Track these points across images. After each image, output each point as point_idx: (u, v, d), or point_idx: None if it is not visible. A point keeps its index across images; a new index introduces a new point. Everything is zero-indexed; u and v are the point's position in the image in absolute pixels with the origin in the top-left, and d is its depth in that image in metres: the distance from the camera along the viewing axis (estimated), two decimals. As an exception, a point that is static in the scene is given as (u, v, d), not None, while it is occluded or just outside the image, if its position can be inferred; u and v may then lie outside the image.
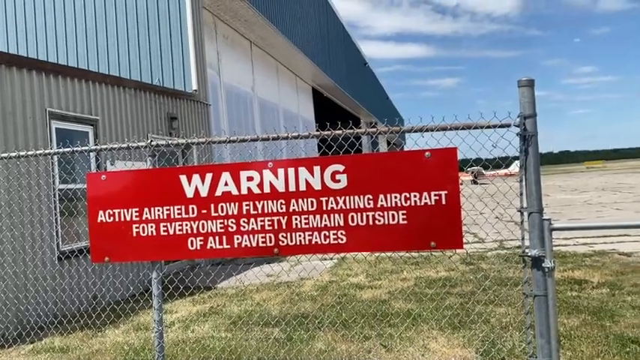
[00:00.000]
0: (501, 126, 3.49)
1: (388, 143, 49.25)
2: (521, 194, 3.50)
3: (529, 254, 3.47)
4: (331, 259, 9.80)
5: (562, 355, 4.34)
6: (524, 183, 3.46)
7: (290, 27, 18.03)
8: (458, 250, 10.23)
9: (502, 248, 10.60)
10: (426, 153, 3.51)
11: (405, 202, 3.47)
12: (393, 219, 3.49)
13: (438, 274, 8.04)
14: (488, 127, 3.52)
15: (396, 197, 3.48)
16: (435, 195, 3.45)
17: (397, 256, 9.46)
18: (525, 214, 3.47)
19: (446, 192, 3.44)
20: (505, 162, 3.82)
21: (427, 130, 3.74)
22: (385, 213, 3.49)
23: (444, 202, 3.43)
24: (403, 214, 3.47)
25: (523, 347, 4.22)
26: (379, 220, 3.50)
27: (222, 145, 4.20)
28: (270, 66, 19.63)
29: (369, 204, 3.51)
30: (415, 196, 3.46)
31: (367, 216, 3.52)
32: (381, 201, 3.50)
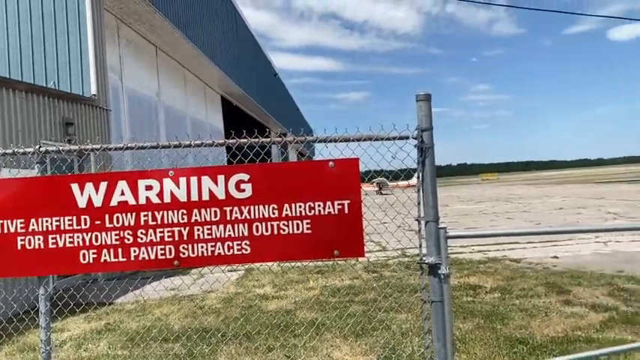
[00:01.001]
0: (400, 138, 3.61)
1: (300, 154, 49.63)
2: (418, 204, 3.63)
3: (426, 261, 3.61)
4: (238, 270, 9.65)
5: (457, 358, 4.55)
6: (421, 193, 3.61)
7: (198, 34, 17.68)
8: (361, 259, 10.50)
9: (403, 256, 10.98)
10: (330, 163, 3.56)
11: (310, 212, 3.48)
12: (298, 228, 3.49)
13: (343, 283, 8.17)
14: (388, 138, 3.63)
15: (300, 207, 3.49)
16: (339, 204, 3.49)
17: (303, 266, 9.50)
18: (422, 223, 3.62)
19: (348, 201, 3.50)
20: (403, 173, 3.95)
21: (331, 141, 3.81)
22: (290, 222, 3.48)
23: (346, 211, 3.49)
24: (307, 223, 3.48)
25: (422, 352, 4.37)
26: (284, 230, 3.49)
27: (124, 153, 4.01)
28: (177, 73, 19.12)
29: (273, 213, 3.49)
30: (319, 205, 3.49)
31: (272, 226, 3.49)
32: (286, 210, 3.49)
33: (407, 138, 3.62)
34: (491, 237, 12.61)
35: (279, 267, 9.00)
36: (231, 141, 3.68)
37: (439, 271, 3.56)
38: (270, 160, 4.01)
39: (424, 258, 3.63)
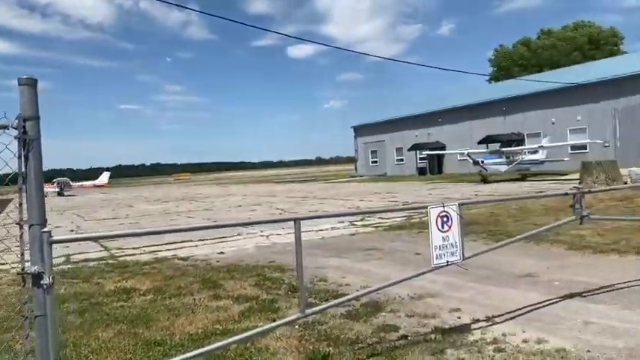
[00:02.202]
0: (-5, 127, 3.08)
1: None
2: (20, 205, 3.14)
3: (28, 271, 3.15)
4: None
5: (84, 373, 4.16)
6: (24, 192, 3.13)
7: None
8: (13, 270, 9.04)
9: (67, 263, 9.94)
10: None
11: None
12: None
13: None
14: (-22, 127, 3.05)
15: None
16: None
17: None
18: (25, 227, 3.15)
19: None
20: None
21: None
22: None
23: None
24: None
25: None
26: None
27: None
28: None
29: None
30: None
31: None
32: None
33: (6, 127, 3.10)
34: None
35: None
36: None
37: (42, 282, 3.14)
38: None
39: (26, 268, 3.16)
